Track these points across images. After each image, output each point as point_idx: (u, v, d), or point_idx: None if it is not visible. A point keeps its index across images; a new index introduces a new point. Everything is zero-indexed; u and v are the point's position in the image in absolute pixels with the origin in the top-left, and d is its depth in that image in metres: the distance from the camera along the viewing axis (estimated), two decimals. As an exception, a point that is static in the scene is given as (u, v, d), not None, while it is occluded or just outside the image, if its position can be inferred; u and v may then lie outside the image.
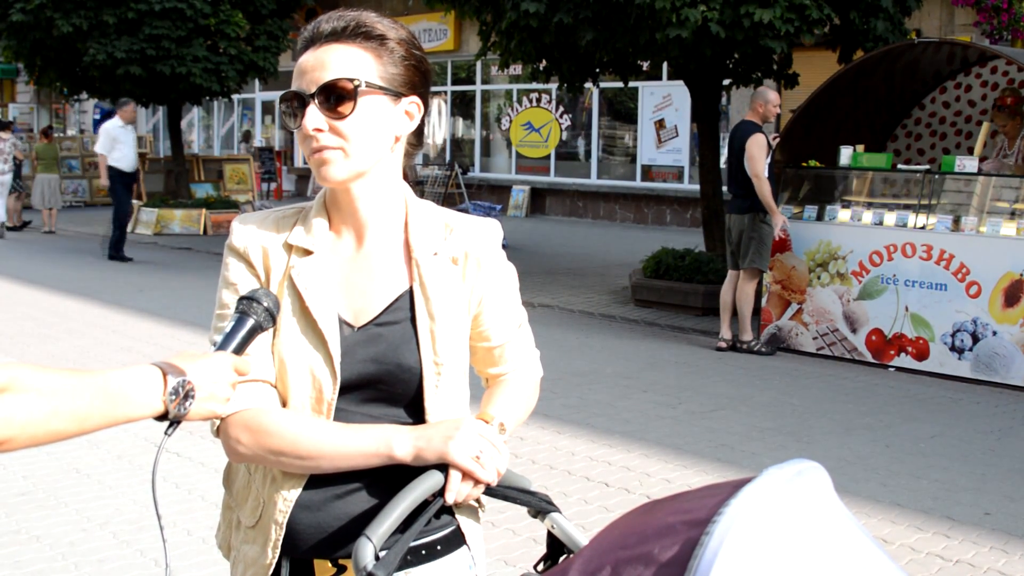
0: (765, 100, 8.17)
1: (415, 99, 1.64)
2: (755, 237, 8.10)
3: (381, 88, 1.58)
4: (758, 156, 7.94)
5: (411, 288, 1.66)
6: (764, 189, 7.94)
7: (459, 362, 1.68)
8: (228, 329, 1.51)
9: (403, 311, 1.65)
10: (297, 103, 1.58)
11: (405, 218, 1.69)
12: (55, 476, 5.06)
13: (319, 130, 1.56)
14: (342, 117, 1.56)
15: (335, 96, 1.55)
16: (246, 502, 1.69)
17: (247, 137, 25.92)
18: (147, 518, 4.54)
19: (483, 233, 1.72)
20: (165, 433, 1.42)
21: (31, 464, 5.18)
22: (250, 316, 1.51)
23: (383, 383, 1.63)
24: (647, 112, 18.53)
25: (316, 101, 1.56)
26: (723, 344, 8.30)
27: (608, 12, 9.11)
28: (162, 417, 1.39)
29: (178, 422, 1.41)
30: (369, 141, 1.59)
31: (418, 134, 1.71)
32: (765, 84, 9.74)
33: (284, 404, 1.63)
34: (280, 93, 1.63)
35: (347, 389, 1.62)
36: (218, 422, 1.59)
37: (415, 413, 1.65)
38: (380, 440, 1.57)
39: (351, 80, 1.55)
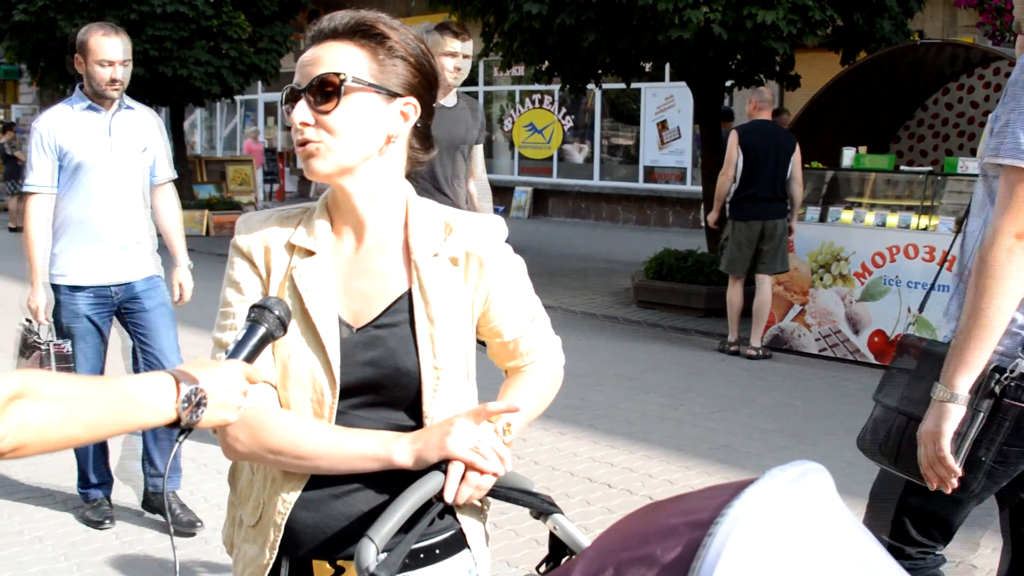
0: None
1: (412, 100, 1.62)
2: (784, 241, 8.05)
3: (371, 85, 1.58)
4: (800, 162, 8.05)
5: (410, 290, 1.65)
6: (801, 195, 8.09)
7: (460, 365, 1.67)
8: (240, 337, 1.52)
9: (402, 313, 1.64)
10: (293, 98, 1.60)
11: (405, 218, 1.68)
12: (57, 476, 5.06)
13: (305, 124, 1.57)
14: (327, 112, 1.56)
15: (323, 91, 1.56)
16: (248, 501, 1.70)
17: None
18: (149, 518, 4.55)
19: (484, 231, 1.71)
20: (176, 440, 1.43)
21: (33, 464, 5.18)
22: (261, 324, 1.52)
23: (382, 387, 1.63)
24: (649, 113, 18.53)
25: (306, 95, 1.57)
26: (752, 352, 8.07)
27: (611, 13, 9.11)
28: (174, 424, 1.39)
29: (190, 429, 1.41)
30: (355, 137, 1.58)
31: (422, 138, 1.68)
32: (767, 85, 9.74)
33: (286, 408, 1.63)
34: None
35: (346, 393, 1.62)
36: None
37: (415, 417, 1.65)
38: (380, 445, 1.57)
39: (337, 75, 1.56)
